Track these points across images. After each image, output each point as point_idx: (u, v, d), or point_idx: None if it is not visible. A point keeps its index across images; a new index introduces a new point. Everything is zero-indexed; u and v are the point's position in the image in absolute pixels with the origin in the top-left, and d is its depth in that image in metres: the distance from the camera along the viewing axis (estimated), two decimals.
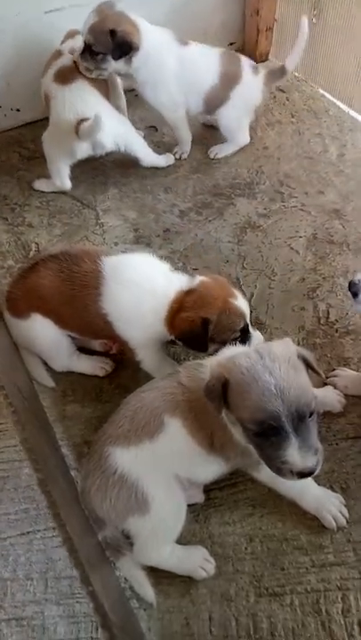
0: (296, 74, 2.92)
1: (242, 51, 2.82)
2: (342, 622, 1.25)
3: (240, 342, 1.51)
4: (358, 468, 1.48)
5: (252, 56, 2.83)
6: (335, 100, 2.74)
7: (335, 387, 1.62)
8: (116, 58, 2.07)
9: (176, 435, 1.31)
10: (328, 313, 1.86)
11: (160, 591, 1.32)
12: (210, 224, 2.22)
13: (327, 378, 1.65)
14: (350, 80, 2.62)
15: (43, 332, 1.66)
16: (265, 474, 1.36)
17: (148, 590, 1.31)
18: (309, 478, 1.28)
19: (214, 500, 1.46)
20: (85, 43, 2.05)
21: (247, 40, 2.94)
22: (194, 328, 1.49)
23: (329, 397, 1.59)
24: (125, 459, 1.31)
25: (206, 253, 2.11)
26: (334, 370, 1.68)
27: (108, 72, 2.15)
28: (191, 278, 1.59)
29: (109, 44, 2.02)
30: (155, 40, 2.13)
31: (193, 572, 1.33)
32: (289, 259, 2.06)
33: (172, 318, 1.53)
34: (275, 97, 2.71)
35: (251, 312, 1.63)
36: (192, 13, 2.70)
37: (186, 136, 2.45)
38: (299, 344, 1.76)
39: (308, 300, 1.91)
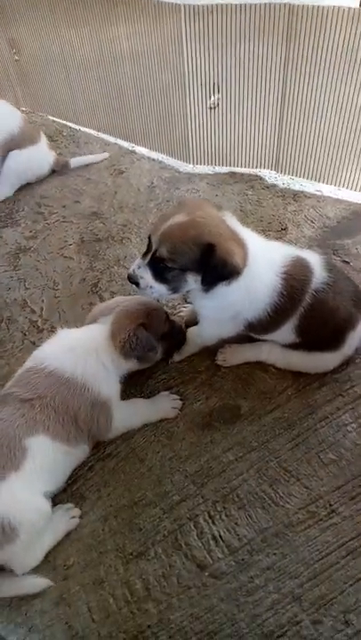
0: (23, 108, 3.10)
1: None
2: (200, 545, 1.37)
3: None
4: None
5: None
6: (65, 122, 2.97)
7: None
8: None
9: (43, 449, 1.37)
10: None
11: (33, 614, 1.29)
12: None
13: None
14: (68, 102, 2.87)
15: None
16: (116, 427, 1.55)
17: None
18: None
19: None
20: None
21: None
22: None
23: None
24: None
25: None
26: None
27: None
28: None
29: None
30: None
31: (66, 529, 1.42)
32: (66, 266, 2.18)
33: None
34: None
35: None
36: None
37: None
38: None
39: (94, 295, 2.05)
